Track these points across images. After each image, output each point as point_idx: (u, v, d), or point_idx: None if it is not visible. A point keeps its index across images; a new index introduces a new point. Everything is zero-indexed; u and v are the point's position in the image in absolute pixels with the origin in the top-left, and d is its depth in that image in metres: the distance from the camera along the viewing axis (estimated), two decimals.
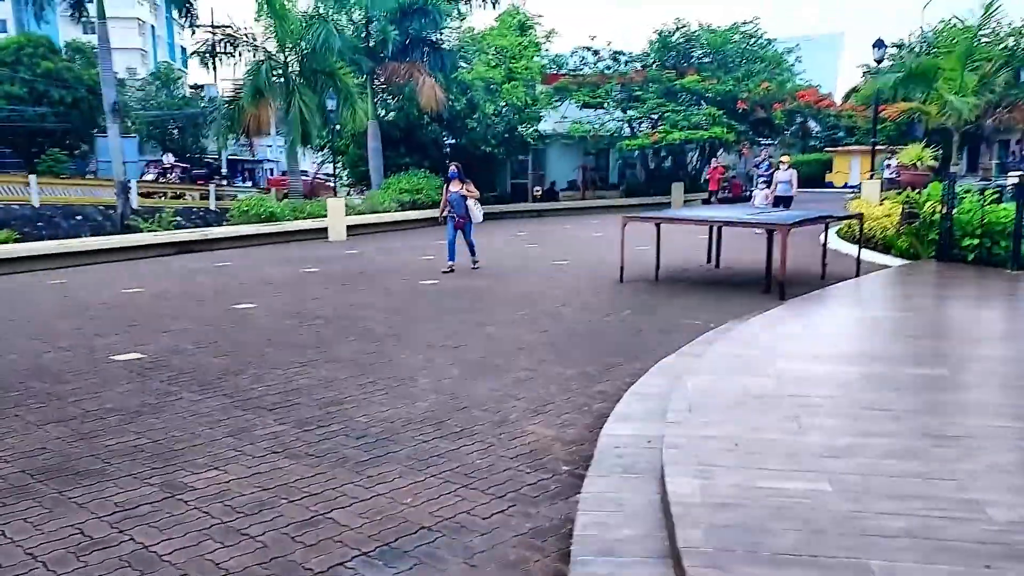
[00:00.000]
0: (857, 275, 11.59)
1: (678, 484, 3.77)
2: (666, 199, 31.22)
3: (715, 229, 12.74)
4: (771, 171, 19.23)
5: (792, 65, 34.24)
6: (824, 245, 12.03)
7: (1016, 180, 10.32)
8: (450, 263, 13.13)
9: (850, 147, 43.78)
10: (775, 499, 3.56)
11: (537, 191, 33.64)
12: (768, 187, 17.93)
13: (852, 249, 13.54)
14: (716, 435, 4.42)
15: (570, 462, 4.87)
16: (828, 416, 4.67)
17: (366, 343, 8.18)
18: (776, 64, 33.62)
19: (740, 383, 5.35)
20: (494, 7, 30.98)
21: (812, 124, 40.82)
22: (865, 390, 5.18)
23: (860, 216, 11.65)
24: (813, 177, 43.72)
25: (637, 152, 31.99)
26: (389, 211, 24.38)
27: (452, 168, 13.58)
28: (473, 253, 13.66)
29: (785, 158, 18.80)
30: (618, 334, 8.48)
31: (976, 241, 10.66)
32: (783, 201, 17.37)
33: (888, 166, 29.12)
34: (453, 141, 30.52)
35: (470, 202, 13.25)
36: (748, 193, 35.75)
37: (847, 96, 41.96)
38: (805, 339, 6.81)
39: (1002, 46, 17.34)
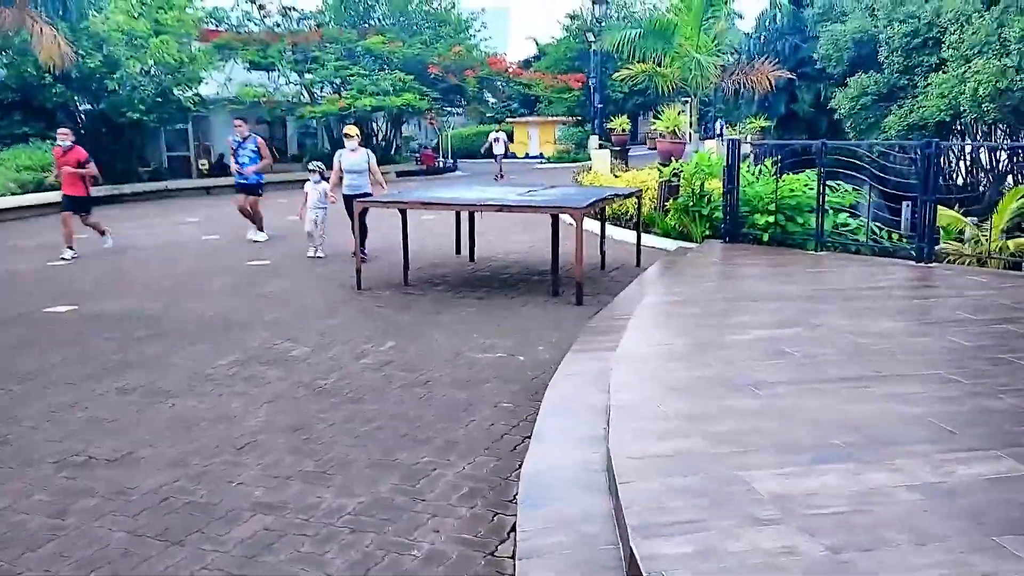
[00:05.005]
0: (638, 263, 9.67)
1: None
2: None
3: (466, 215, 10.08)
4: (241, 154, 12.18)
5: (478, 31, 32.69)
6: (602, 229, 9.90)
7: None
8: None
9: (528, 118, 43.81)
10: None
11: (203, 165, 28.55)
12: (322, 178, 10.92)
13: (611, 230, 11.70)
14: None
15: None
16: None
17: None
18: (463, 30, 31.82)
19: (747, 547, 2.66)
20: None
21: (489, 96, 39.83)
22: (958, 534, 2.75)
23: (639, 193, 9.69)
24: None
25: (321, 120, 28.32)
26: (3, 195, 18.41)
27: None
28: None
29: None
30: (393, 390, 5.42)
31: (771, 218, 9.16)
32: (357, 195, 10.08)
33: (497, 140, 27.53)
34: (89, 106, 24.51)
35: None
36: (440, 164, 33.94)
37: (526, 65, 41.64)
38: (707, 396, 4.33)
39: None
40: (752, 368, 4.66)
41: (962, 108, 16.25)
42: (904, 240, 9.29)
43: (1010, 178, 19.19)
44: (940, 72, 17.38)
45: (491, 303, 7.96)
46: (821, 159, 8.63)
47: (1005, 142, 18.35)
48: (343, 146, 10.72)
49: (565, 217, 8.46)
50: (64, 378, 5.86)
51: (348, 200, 10.19)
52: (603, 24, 20.76)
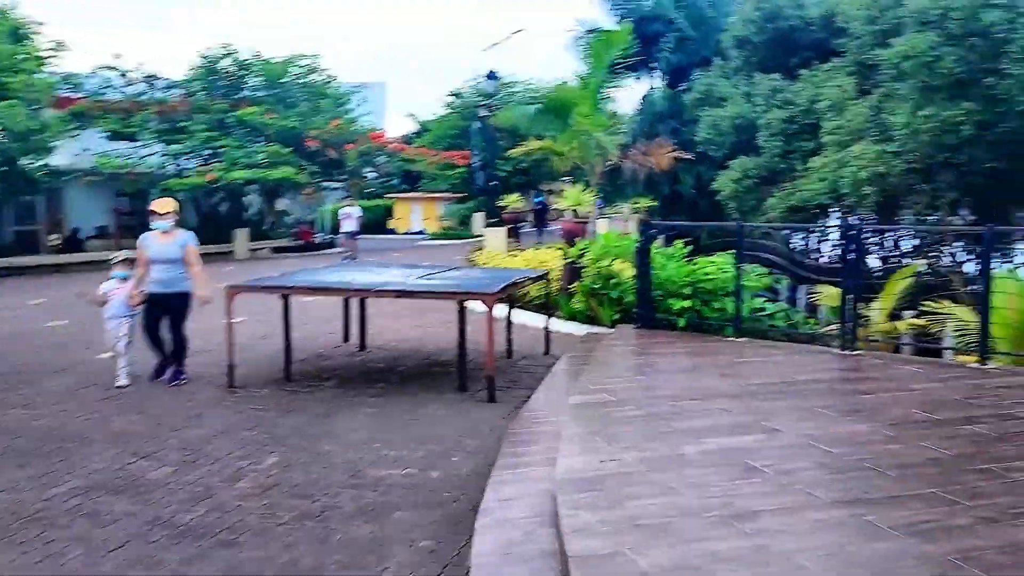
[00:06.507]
0: (547, 350, 8.91)
1: None
2: (227, 247, 26.46)
3: (355, 299, 9.07)
4: None
5: (358, 105, 32.03)
6: (509, 315, 9.10)
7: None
8: None
9: (410, 194, 43.19)
10: None
11: (55, 240, 26.22)
12: (124, 280, 7.82)
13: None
14: None
15: None
16: None
17: None
18: (342, 103, 31.08)
19: None
20: None
21: (370, 170, 38.78)
22: None
23: (547, 276, 8.99)
24: (376, 224, 42.25)
25: (189, 193, 26.60)
26: None
27: None
28: None
29: None
30: (280, 527, 4.33)
31: (687, 303, 8.65)
32: (169, 303, 7.71)
33: (348, 216, 23.95)
34: None
35: None
36: (319, 241, 32.56)
37: (407, 142, 41.21)
38: (686, 537, 3.55)
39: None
40: (726, 492, 3.90)
41: (843, 191, 16.70)
42: (814, 323, 8.97)
43: (874, 257, 19.93)
44: (820, 156, 17.92)
45: (390, 402, 6.95)
46: (740, 241, 8.20)
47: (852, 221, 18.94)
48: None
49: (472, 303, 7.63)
50: None
51: (157, 301, 7.66)
52: (494, 99, 20.48)
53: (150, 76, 28.40)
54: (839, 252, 21.73)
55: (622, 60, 13.08)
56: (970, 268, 17.97)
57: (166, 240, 7.71)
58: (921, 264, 16.36)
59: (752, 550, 3.28)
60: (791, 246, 23.57)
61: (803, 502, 3.79)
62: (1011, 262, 15.65)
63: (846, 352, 7.53)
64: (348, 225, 23.92)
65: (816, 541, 3.35)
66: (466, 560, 3.87)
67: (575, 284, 10.40)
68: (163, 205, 7.83)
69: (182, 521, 4.45)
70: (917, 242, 20.23)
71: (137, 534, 4.29)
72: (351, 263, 14.84)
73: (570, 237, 10.67)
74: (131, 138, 26.68)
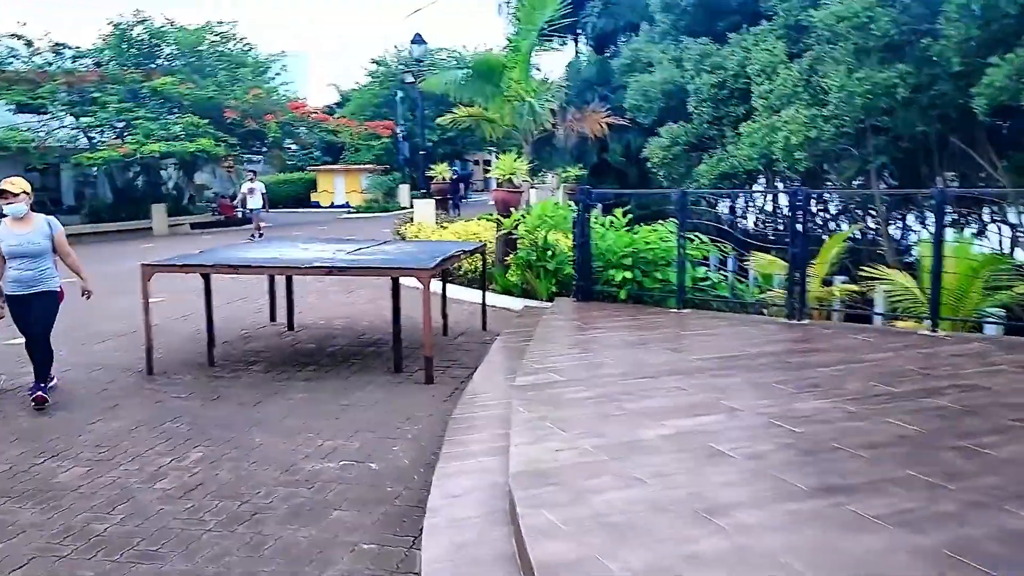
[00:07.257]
0: (484, 326, 8.58)
1: None
2: (144, 224, 25.26)
3: (281, 276, 8.52)
4: None
5: (278, 74, 30.80)
6: (444, 290, 8.71)
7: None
8: None
9: (334, 166, 41.96)
10: None
11: None
12: None
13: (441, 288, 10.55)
14: None
15: None
16: None
17: None
18: (261, 72, 29.82)
19: None
20: None
21: (291, 142, 37.07)
22: None
23: (483, 249, 8.60)
24: (298, 197, 40.93)
25: (102, 167, 25.15)
26: None
27: None
28: None
29: None
30: (207, 533, 3.90)
31: (628, 274, 8.39)
32: (31, 306, 6.23)
33: (252, 191, 22.57)
34: None
35: None
36: (241, 215, 31.24)
37: (329, 112, 39.97)
38: (659, 535, 3.29)
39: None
40: (696, 481, 3.63)
41: (774, 156, 16.69)
42: (756, 292, 8.83)
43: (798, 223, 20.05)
44: (750, 122, 17.86)
45: (323, 386, 6.51)
46: (683, 209, 7.96)
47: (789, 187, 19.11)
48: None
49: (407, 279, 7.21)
50: None
51: (19, 303, 6.20)
52: (422, 64, 19.79)
53: (59, 45, 26.72)
54: (778, 219, 21.86)
55: (551, 23, 12.65)
56: (896, 233, 18.36)
57: (23, 229, 6.22)
58: (853, 229, 16.59)
59: (732, 550, 3.00)
60: (719, 213, 23.73)
61: (778, 491, 3.54)
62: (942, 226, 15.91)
63: (793, 322, 7.39)
64: (253, 201, 22.68)
65: (800, 537, 3.10)
66: (414, 565, 3.54)
67: (510, 256, 10.05)
68: (14, 184, 6.29)
69: (96, 530, 3.97)
70: (840, 207, 20.56)
71: (45, 548, 3.81)
72: (264, 240, 13.90)
73: (504, 207, 10.27)
74: (39, 110, 25.11)
